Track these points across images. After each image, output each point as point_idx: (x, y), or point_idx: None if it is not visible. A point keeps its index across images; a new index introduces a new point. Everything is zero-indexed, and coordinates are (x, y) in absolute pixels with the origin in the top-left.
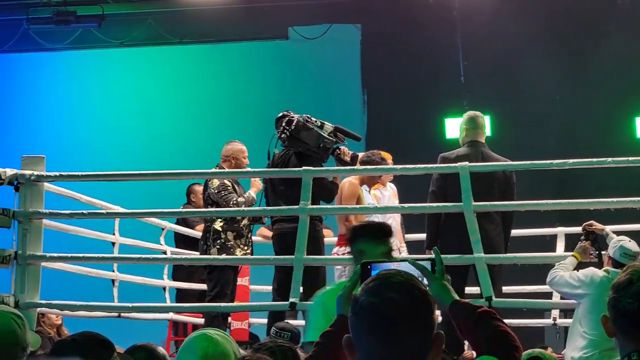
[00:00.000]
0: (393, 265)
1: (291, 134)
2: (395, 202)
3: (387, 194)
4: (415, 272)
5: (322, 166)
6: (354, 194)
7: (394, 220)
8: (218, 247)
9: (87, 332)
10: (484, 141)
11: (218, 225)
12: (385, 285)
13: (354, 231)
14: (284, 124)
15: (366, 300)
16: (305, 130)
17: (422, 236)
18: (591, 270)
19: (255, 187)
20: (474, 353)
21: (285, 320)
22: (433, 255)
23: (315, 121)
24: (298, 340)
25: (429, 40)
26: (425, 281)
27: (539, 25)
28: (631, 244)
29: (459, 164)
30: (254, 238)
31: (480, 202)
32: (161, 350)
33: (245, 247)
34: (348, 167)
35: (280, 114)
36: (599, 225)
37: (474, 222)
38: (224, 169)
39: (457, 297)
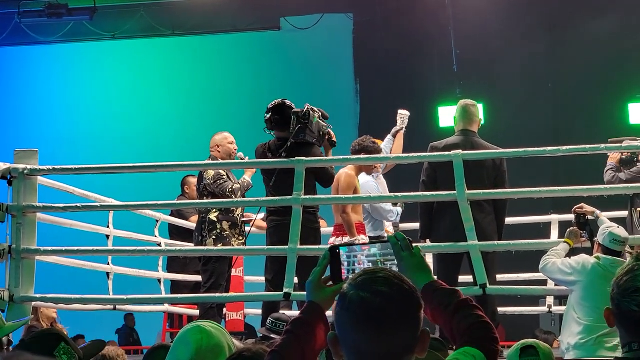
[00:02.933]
0: (362, 248)
1: (306, 125)
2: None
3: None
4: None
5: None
6: (351, 186)
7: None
8: (214, 237)
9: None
10: (476, 130)
11: (213, 215)
12: (374, 280)
13: None
14: (300, 115)
15: (355, 295)
16: (312, 119)
17: (417, 225)
18: (582, 257)
19: (250, 172)
20: None
21: (281, 312)
22: (386, 238)
23: (312, 109)
24: None
25: (421, 29)
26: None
27: (532, 13)
28: (619, 230)
29: (452, 152)
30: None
31: (471, 190)
32: None
33: (240, 237)
34: (341, 157)
35: (279, 102)
36: (589, 208)
37: (467, 210)
38: (216, 159)
39: (434, 278)
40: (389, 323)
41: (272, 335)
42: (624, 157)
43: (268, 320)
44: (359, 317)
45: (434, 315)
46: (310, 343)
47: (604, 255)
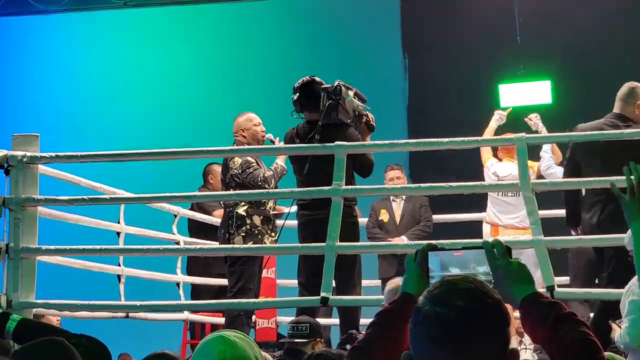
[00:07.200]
0: (454, 254)
1: (337, 102)
2: None
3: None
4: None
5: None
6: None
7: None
8: (243, 234)
9: None
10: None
11: (242, 209)
12: (452, 293)
13: None
14: (330, 91)
15: (431, 310)
16: (344, 95)
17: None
18: None
19: (282, 155)
20: None
21: (316, 318)
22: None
23: (345, 85)
24: (320, 332)
25: None
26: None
27: None
28: None
29: (515, 135)
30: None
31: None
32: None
33: (273, 234)
34: (388, 142)
35: (307, 79)
36: None
37: (533, 200)
38: (242, 145)
39: (535, 289)
40: (467, 341)
41: (295, 340)
42: None
43: (288, 326)
44: (434, 334)
45: (533, 331)
46: (398, 339)
47: None
